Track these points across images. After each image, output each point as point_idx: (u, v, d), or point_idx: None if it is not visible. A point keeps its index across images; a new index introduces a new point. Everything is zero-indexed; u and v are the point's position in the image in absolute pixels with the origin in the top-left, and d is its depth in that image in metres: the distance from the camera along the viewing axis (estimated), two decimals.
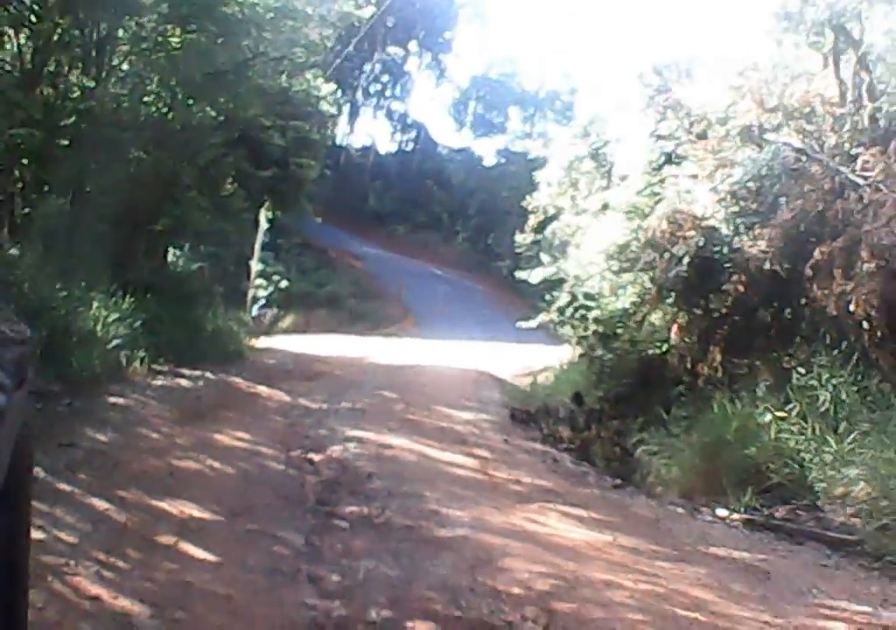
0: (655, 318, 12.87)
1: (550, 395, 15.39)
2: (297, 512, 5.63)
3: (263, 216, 26.30)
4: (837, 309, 8.90)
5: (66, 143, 12.68)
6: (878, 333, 8.52)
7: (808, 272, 9.41)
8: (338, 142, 46.84)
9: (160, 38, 13.97)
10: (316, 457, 7.63)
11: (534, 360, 20.88)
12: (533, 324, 18.47)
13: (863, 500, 7.15)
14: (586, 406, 13.30)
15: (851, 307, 8.63)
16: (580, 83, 45.95)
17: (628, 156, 14.61)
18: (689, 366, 11.87)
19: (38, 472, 4.94)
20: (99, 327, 10.93)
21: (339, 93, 50.33)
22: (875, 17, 12.56)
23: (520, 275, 18.19)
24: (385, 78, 52.29)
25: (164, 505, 5.23)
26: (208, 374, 12.69)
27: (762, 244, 10.00)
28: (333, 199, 39.72)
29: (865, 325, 8.55)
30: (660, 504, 8.12)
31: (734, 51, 13.29)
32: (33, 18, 12.12)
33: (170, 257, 22.02)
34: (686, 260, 10.42)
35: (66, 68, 13.29)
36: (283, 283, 31.96)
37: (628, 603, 4.58)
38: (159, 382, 10.95)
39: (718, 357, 11.42)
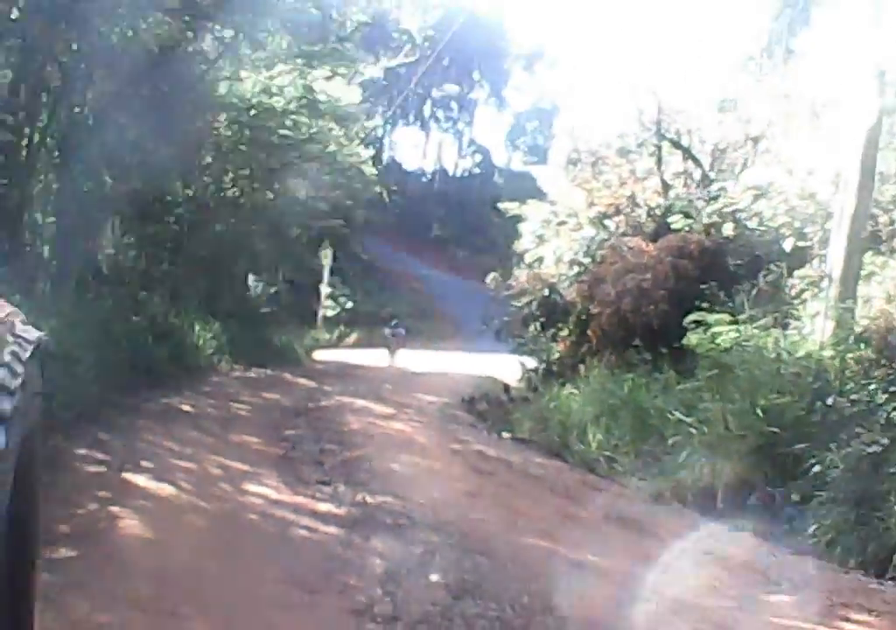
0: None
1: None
2: (287, 413, 16.79)
3: (329, 251, 38.48)
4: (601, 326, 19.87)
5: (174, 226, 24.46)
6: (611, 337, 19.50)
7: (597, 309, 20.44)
8: (408, 168, 59.87)
9: (233, 148, 25.70)
10: (310, 404, 18.83)
11: None
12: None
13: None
14: (512, 393, 24.33)
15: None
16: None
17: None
18: None
19: (189, 393, 16.45)
20: (201, 342, 22.55)
21: (412, 120, 63.53)
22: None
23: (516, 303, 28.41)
24: (453, 105, 64.97)
25: (231, 404, 16.59)
26: (268, 371, 24.17)
27: (574, 292, 21.13)
28: (400, 225, 52.13)
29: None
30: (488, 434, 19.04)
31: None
32: None
33: (251, 283, 34.35)
34: (535, 303, 21.65)
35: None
36: (349, 304, 43.89)
37: (382, 432, 15.76)
38: (236, 374, 22.52)
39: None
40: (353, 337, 42.36)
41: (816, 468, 11.39)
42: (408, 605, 6.17)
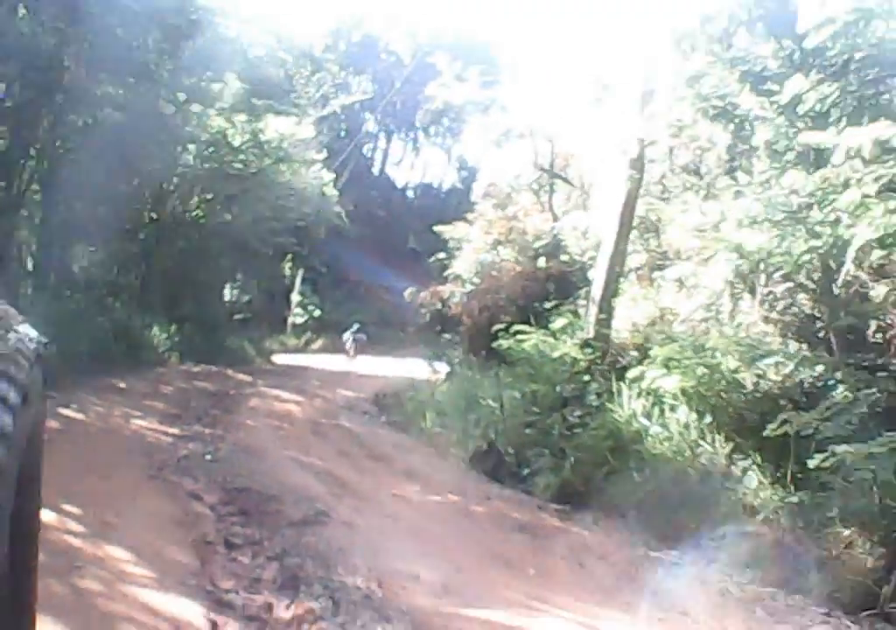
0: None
1: None
2: (204, 395, 23.53)
3: (293, 264, 45.77)
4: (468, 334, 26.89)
5: (142, 242, 31.67)
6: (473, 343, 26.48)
7: (466, 320, 27.43)
8: (398, 182, 67.50)
9: (196, 177, 32.94)
10: (231, 391, 25.74)
11: None
12: None
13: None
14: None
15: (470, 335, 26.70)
16: None
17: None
18: None
19: (132, 378, 23.44)
20: (156, 340, 29.65)
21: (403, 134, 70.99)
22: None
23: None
24: (445, 121, 72.44)
25: (161, 386, 23.54)
26: (213, 368, 31.04)
27: (458, 305, 28.19)
28: (381, 237, 59.49)
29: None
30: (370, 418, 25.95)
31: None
32: None
33: (226, 291, 41.74)
34: (428, 314, 28.71)
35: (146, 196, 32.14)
36: (317, 312, 51.23)
37: (271, 409, 22.73)
38: (183, 367, 29.53)
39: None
40: (319, 343, 49.52)
41: (528, 431, 18.28)
42: (181, 464, 13.11)
